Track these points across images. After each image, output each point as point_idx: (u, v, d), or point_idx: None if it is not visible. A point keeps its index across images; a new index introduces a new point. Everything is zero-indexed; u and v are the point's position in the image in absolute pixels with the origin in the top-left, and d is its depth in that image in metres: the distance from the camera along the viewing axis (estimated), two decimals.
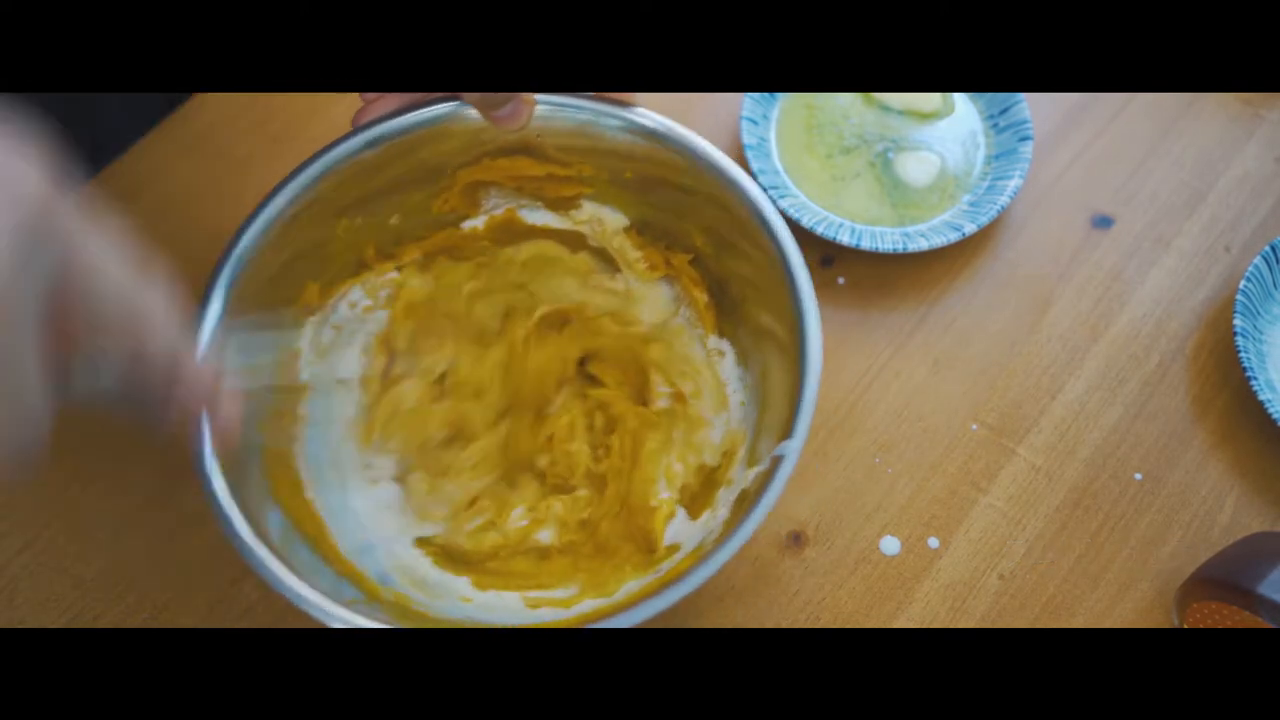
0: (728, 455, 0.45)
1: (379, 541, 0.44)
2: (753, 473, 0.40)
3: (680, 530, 0.45)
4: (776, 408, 0.41)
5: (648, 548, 0.44)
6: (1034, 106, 0.57)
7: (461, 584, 0.44)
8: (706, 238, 0.46)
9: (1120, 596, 0.47)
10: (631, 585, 0.43)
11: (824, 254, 0.55)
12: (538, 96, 0.43)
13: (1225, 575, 0.43)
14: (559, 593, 0.44)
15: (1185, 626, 0.45)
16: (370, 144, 0.43)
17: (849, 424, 0.51)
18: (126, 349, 0.27)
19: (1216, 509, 0.49)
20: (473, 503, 0.47)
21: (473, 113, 0.43)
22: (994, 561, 0.48)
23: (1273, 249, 0.52)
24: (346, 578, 0.40)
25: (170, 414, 0.29)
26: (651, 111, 0.43)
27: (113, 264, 0.26)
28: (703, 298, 0.48)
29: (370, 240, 0.47)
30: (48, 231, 0.24)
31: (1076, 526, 0.49)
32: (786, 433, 0.38)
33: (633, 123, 0.43)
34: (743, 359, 0.47)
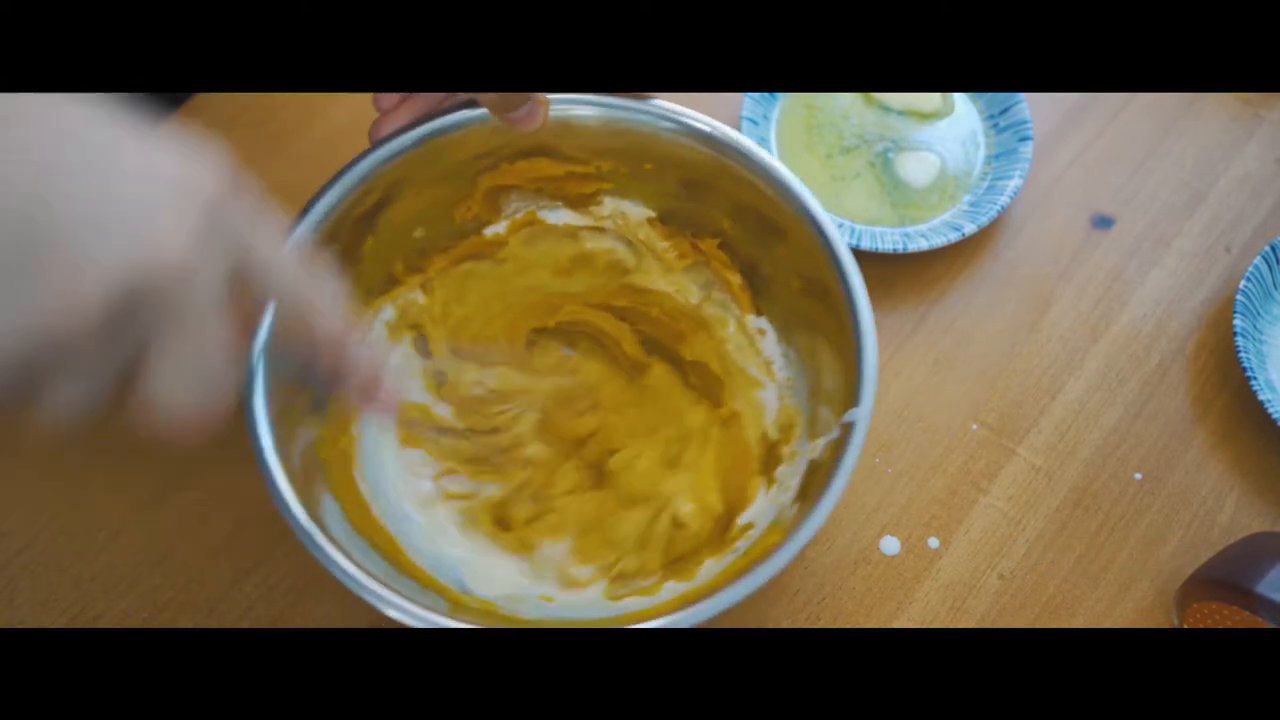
0: (785, 430, 0.46)
1: (449, 548, 0.44)
2: (821, 443, 0.41)
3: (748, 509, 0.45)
4: (830, 377, 0.42)
5: (725, 524, 0.45)
6: (1034, 106, 0.57)
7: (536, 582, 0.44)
8: (733, 221, 0.47)
9: (1120, 596, 0.47)
10: (710, 566, 0.43)
11: None
12: (553, 96, 0.43)
13: (1225, 575, 0.43)
14: (641, 581, 0.44)
15: (1185, 626, 0.45)
16: (390, 157, 0.43)
17: None
18: (299, 337, 0.30)
19: (1216, 509, 0.49)
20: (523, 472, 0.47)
21: (487, 116, 0.43)
22: (994, 561, 0.48)
23: (1273, 249, 0.52)
24: (431, 589, 0.40)
25: (336, 394, 0.32)
26: (669, 103, 0.44)
27: (285, 257, 0.29)
28: (736, 279, 0.49)
29: (397, 255, 0.47)
30: (226, 225, 0.26)
31: (1076, 526, 0.49)
32: (848, 402, 0.39)
33: (652, 114, 0.44)
34: (785, 336, 0.48)
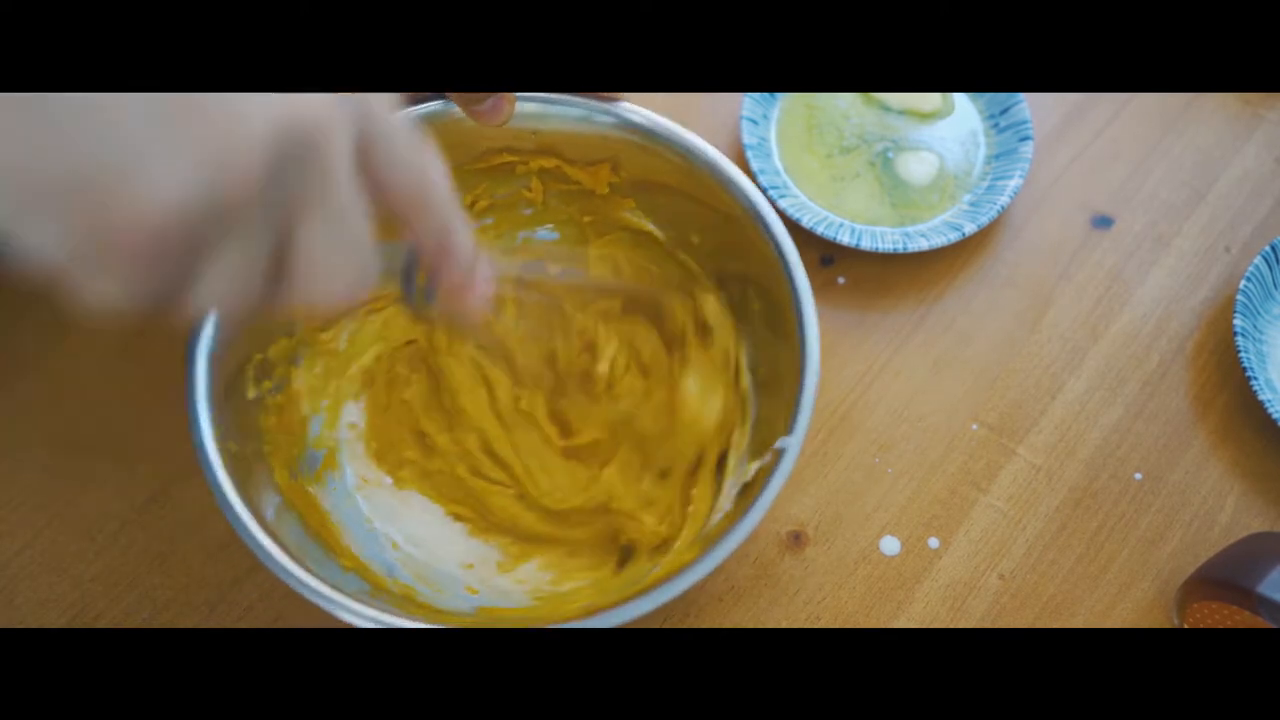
0: (734, 442, 0.45)
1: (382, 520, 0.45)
2: (754, 466, 0.40)
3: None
4: (781, 399, 0.41)
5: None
6: (1034, 106, 0.57)
7: (465, 573, 0.44)
8: (703, 236, 0.46)
9: (1120, 596, 0.47)
10: (637, 572, 0.43)
11: (824, 254, 0.55)
12: (533, 96, 0.43)
13: (1225, 575, 0.43)
14: (565, 586, 0.44)
15: (1185, 626, 0.45)
16: None
17: (849, 424, 0.51)
18: (407, 220, 0.29)
19: (1216, 509, 0.49)
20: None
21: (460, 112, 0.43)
22: (994, 561, 0.48)
23: (1273, 249, 0.52)
24: (354, 571, 0.40)
25: (437, 288, 0.31)
26: (643, 109, 0.44)
27: (403, 128, 0.28)
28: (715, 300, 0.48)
29: None
30: (350, 100, 0.26)
31: (1076, 526, 0.49)
32: (788, 427, 0.38)
33: (626, 121, 0.44)
34: (753, 351, 0.47)
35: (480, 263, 0.32)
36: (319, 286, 0.26)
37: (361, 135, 0.26)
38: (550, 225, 0.50)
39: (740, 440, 0.45)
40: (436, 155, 0.29)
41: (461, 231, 0.30)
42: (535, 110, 0.44)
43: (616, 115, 0.44)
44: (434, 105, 0.43)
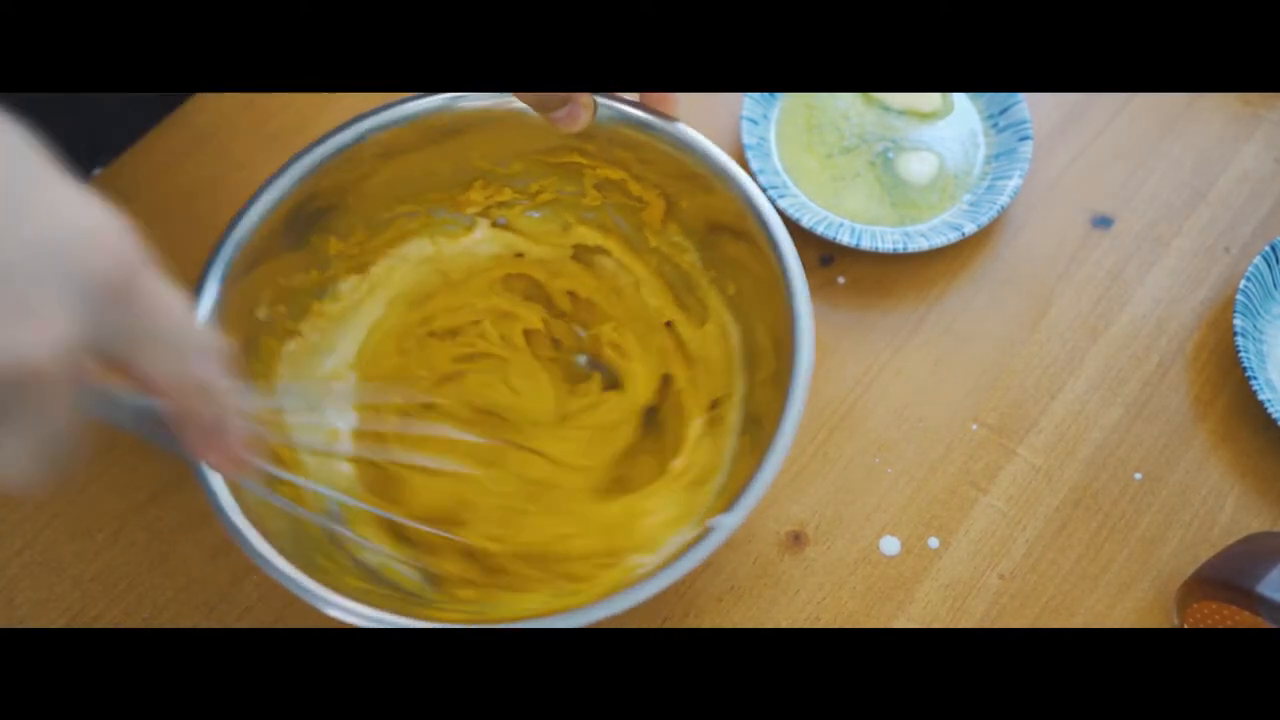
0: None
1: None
2: (691, 534, 0.38)
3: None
4: (766, 427, 0.40)
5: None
6: (1034, 106, 0.57)
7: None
8: (739, 286, 0.47)
9: (1120, 596, 0.47)
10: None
11: (824, 254, 0.55)
12: (612, 106, 0.43)
13: (1225, 575, 0.43)
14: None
15: (1185, 626, 0.45)
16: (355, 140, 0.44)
17: (849, 424, 0.51)
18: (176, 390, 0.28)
19: (1216, 509, 0.49)
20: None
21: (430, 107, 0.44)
22: (994, 561, 0.48)
23: (1273, 249, 0.52)
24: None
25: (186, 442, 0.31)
26: (635, 108, 0.44)
27: (178, 338, 0.27)
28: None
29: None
30: (115, 309, 0.25)
31: (1076, 526, 0.49)
32: (766, 448, 0.37)
33: (623, 115, 0.44)
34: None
35: (235, 420, 0.31)
36: (5, 476, 0.25)
37: (118, 346, 0.26)
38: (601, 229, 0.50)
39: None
40: (203, 336, 0.28)
41: (217, 402, 0.30)
42: (612, 120, 0.44)
43: (615, 110, 0.43)
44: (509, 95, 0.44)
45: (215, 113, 0.57)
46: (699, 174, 0.44)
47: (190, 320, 0.28)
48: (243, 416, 0.31)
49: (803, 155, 0.57)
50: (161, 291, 0.26)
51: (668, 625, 0.46)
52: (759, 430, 0.42)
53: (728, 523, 0.35)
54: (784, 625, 0.46)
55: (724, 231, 0.45)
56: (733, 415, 0.45)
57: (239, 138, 0.56)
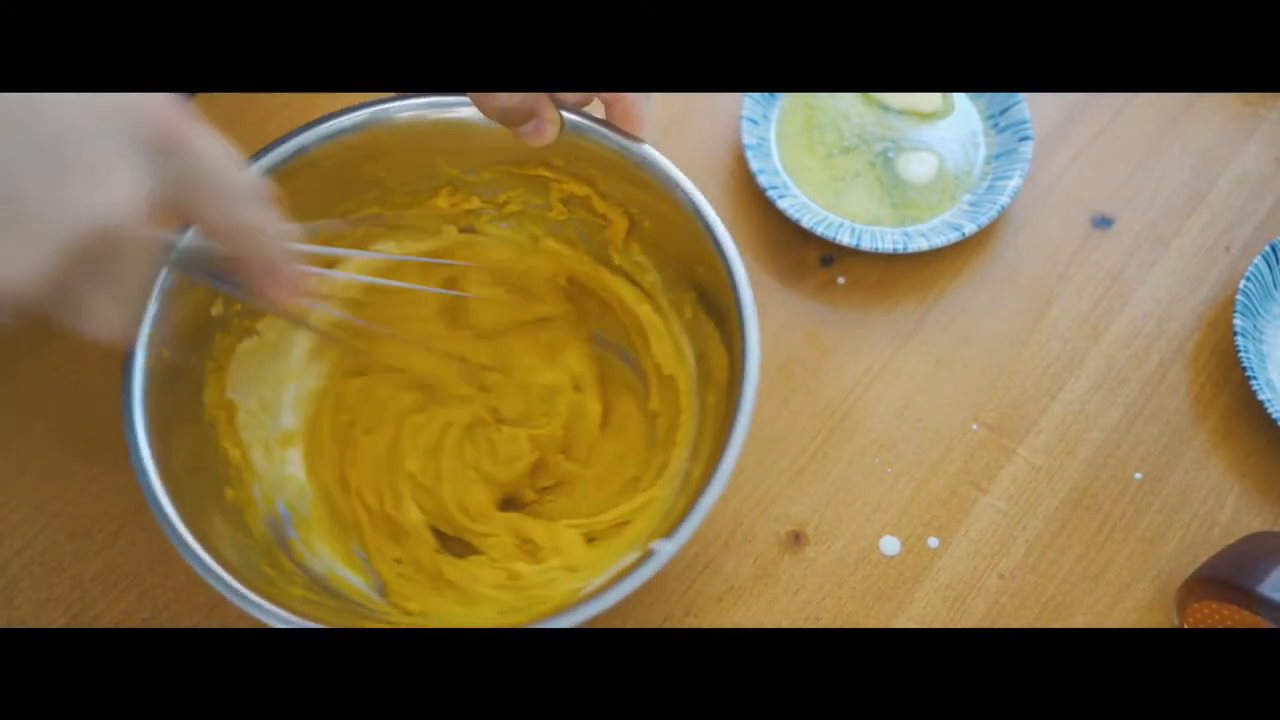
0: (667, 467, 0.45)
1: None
2: (634, 556, 0.38)
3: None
4: (709, 447, 0.40)
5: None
6: (1034, 106, 0.57)
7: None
8: (695, 310, 0.46)
9: (1120, 596, 0.47)
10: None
11: (824, 254, 0.55)
12: (574, 120, 0.43)
13: (1225, 575, 0.43)
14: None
15: (1185, 626, 0.45)
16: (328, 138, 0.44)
17: (849, 424, 0.51)
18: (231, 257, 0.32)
19: (1216, 509, 0.49)
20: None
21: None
22: (994, 561, 0.48)
23: (1273, 249, 0.52)
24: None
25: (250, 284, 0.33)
26: (602, 126, 0.43)
27: (232, 185, 0.30)
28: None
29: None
30: (172, 158, 0.28)
31: (1076, 526, 0.49)
32: (711, 472, 0.36)
33: (589, 131, 0.43)
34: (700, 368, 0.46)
35: (289, 260, 0.34)
36: (94, 330, 0.28)
37: (175, 195, 0.28)
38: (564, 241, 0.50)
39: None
40: (249, 181, 0.31)
41: (271, 243, 0.32)
42: (574, 136, 0.43)
43: (639, 158, 0.42)
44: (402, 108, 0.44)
45: (215, 113, 0.57)
46: (659, 195, 0.43)
47: (236, 167, 0.30)
48: (294, 257, 0.33)
49: (803, 155, 0.57)
50: (208, 142, 0.29)
51: (667, 625, 0.46)
52: (708, 450, 0.41)
53: (667, 549, 0.35)
54: (784, 625, 0.46)
55: (684, 256, 0.44)
56: (684, 435, 0.45)
57: (239, 138, 0.56)
